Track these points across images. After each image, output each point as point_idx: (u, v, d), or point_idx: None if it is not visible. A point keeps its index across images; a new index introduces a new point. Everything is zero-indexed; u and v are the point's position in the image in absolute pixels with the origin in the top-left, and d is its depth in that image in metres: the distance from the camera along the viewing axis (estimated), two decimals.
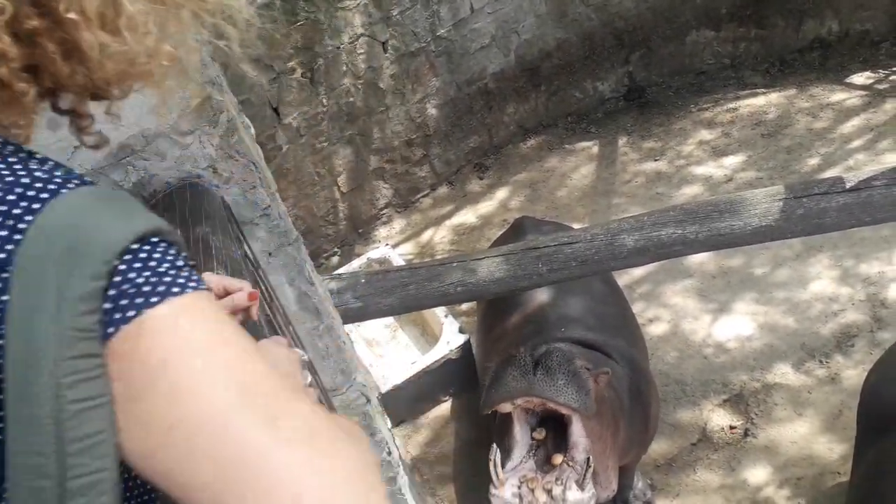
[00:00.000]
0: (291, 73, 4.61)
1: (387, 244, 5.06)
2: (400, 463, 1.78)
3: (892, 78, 5.33)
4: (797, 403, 3.59)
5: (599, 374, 2.35)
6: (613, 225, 2.11)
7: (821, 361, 3.75)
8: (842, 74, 5.53)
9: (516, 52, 5.67)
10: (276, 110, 4.65)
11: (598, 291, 3.41)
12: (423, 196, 5.73)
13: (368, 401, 1.69)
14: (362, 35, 4.91)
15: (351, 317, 2.11)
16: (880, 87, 5.29)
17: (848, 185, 1.95)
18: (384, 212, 5.60)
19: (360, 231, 5.52)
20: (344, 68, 4.90)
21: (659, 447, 3.53)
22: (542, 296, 3.27)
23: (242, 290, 1.01)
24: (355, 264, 4.78)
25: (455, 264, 2.12)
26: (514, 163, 5.80)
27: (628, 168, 5.41)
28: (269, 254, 1.45)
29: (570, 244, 2.07)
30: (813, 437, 3.42)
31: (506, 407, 2.09)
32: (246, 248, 1.25)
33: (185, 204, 1.22)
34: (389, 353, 4.51)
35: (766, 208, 1.99)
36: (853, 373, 3.61)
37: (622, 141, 5.68)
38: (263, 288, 1.19)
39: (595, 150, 5.69)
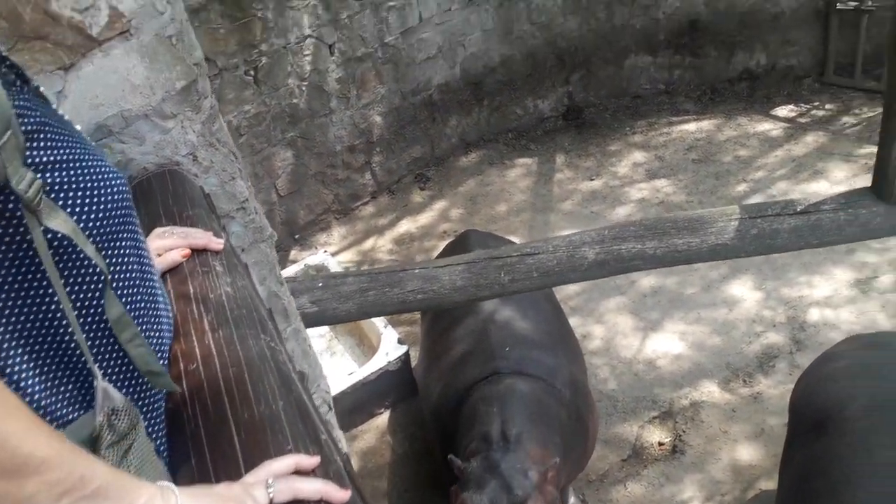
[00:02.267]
0: (234, 69, 4.47)
1: (325, 251, 4.96)
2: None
3: (812, 112, 5.66)
4: (723, 420, 3.72)
5: (548, 469, 2.43)
6: (575, 237, 2.13)
7: (744, 381, 3.90)
8: (767, 106, 5.84)
9: (462, 65, 5.71)
10: None
11: (539, 307, 3.44)
12: (364, 204, 5.67)
13: (330, 408, 1.62)
14: (309, 36, 4.83)
15: (306, 322, 2.04)
16: (802, 120, 5.61)
17: (798, 209, 2.05)
18: (323, 217, 5.50)
19: (297, 236, 5.39)
20: (289, 68, 4.80)
21: (591, 462, 3.58)
22: (486, 311, 3.27)
23: (174, 249, 1.11)
24: (291, 270, 4.67)
25: (417, 271, 2.09)
26: (456, 175, 5.82)
27: (565, 186, 5.51)
28: (243, 250, 1.37)
29: (533, 255, 2.07)
30: (737, 453, 3.55)
31: None
32: (227, 239, 1.18)
33: (167, 190, 1.14)
34: (324, 363, 4.40)
35: (722, 227, 2.06)
36: (775, 392, 3.78)
37: (560, 159, 5.80)
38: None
39: (534, 166, 5.78)
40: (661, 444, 3.71)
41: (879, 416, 2.40)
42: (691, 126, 5.83)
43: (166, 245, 1.09)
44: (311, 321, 2.09)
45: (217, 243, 1.12)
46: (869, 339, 2.86)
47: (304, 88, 4.93)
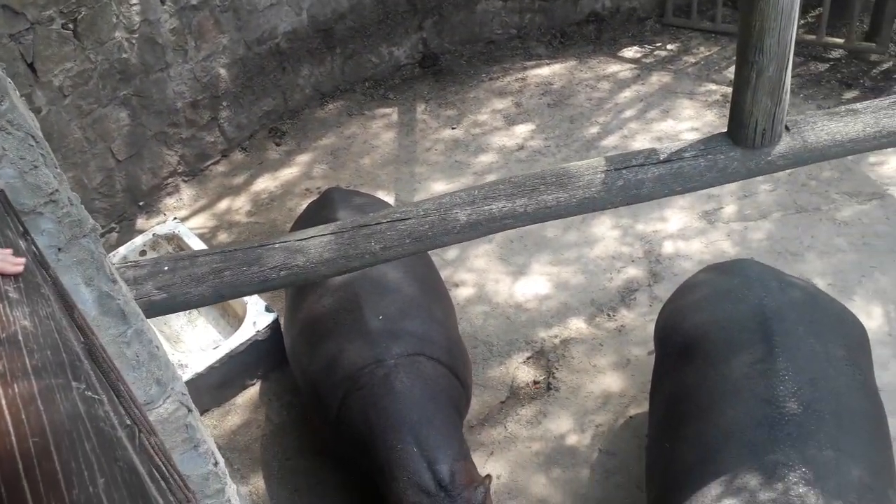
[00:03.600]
0: (49, 22, 3.93)
1: (174, 217, 4.60)
2: (227, 472, 1.59)
3: (656, 53, 5.88)
4: (591, 355, 3.88)
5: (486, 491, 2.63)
6: (445, 199, 2.06)
7: (609, 315, 4.08)
8: (615, 48, 5.99)
9: (308, 11, 5.39)
10: (31, 66, 3.96)
11: (407, 261, 3.36)
12: (214, 163, 5.30)
13: (190, 410, 1.47)
14: None
15: (153, 311, 1.83)
16: (647, 60, 5.82)
17: (661, 157, 2.09)
18: (169, 181, 5.08)
19: (141, 203, 4.96)
20: (115, 20, 4.30)
21: (472, 408, 3.63)
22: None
23: None
24: (138, 241, 4.31)
25: (277, 245, 1.92)
26: (314, 128, 5.56)
27: (428, 136, 5.42)
28: (59, 249, 1.16)
29: (404, 220, 1.98)
30: (607, 385, 3.73)
31: None
32: (32, 245, 0.98)
33: None
34: (186, 336, 4.14)
35: (589, 180, 2.06)
36: (637, 323, 3.98)
37: (420, 108, 5.68)
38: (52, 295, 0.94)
39: (395, 116, 5.63)
40: (535, 382, 3.83)
41: (737, 336, 2.55)
42: (545, 70, 5.88)
43: None
44: (160, 310, 1.89)
45: (14, 264, 0.90)
46: (724, 267, 3.03)
47: (134, 42, 4.45)
